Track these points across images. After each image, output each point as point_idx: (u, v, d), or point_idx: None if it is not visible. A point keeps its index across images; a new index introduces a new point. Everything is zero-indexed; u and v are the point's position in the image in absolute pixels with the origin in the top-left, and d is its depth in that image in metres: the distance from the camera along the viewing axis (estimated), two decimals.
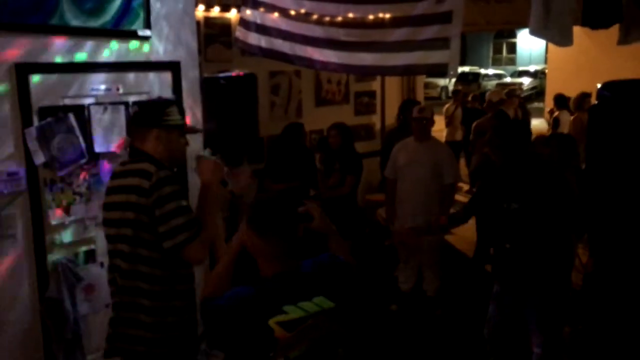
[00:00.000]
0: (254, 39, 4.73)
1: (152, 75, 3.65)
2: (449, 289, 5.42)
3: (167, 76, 3.70)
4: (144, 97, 3.58)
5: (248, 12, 4.78)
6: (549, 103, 10.16)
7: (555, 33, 3.01)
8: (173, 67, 3.70)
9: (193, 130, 3.03)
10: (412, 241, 4.47)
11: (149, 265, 2.48)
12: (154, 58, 3.62)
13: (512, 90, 9.07)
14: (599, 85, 2.98)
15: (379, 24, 4.00)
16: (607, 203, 3.37)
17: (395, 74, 4.54)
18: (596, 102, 3.02)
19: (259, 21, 4.74)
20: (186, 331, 2.62)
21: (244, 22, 4.86)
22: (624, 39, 3.26)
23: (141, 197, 2.40)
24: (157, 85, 3.67)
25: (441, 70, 3.60)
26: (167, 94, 3.68)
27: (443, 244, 5.23)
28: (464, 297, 5.52)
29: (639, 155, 2.70)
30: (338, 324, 1.97)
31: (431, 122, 4.91)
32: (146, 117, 2.62)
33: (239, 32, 4.91)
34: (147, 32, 3.55)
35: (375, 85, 7.76)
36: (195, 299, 2.67)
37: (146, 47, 3.58)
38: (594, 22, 3.10)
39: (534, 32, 3.10)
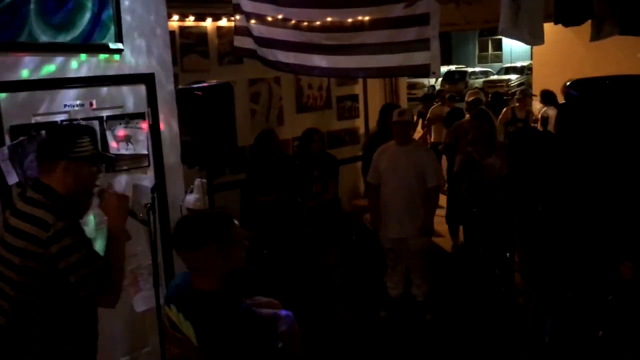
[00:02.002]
0: (250, 44, 4.73)
1: (126, 89, 3.60)
2: (439, 292, 5.40)
3: (142, 89, 3.65)
4: (118, 112, 3.54)
5: (238, 17, 4.78)
6: (536, 99, 10.19)
7: (525, 32, 3.00)
8: (147, 79, 3.65)
9: (105, 158, 2.91)
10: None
11: (41, 313, 2.35)
12: (127, 71, 3.57)
13: (524, 90, 8.94)
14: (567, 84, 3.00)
15: (359, 26, 4.00)
16: (576, 201, 3.40)
17: (378, 76, 4.55)
18: (564, 101, 3.03)
19: (249, 28, 4.74)
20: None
21: (238, 29, 4.85)
22: (596, 35, 3.26)
23: (39, 247, 2.27)
24: (132, 98, 3.62)
25: (423, 71, 3.61)
26: (142, 106, 3.63)
27: (430, 247, 5.21)
28: (453, 300, 5.50)
29: (607, 154, 2.71)
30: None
31: (412, 125, 4.90)
32: (54, 148, 2.44)
33: (236, 41, 4.91)
34: (119, 45, 3.50)
35: (358, 89, 7.73)
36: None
37: (118, 61, 3.53)
38: (566, 19, 3.09)
39: (503, 32, 3.10)
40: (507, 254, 5.30)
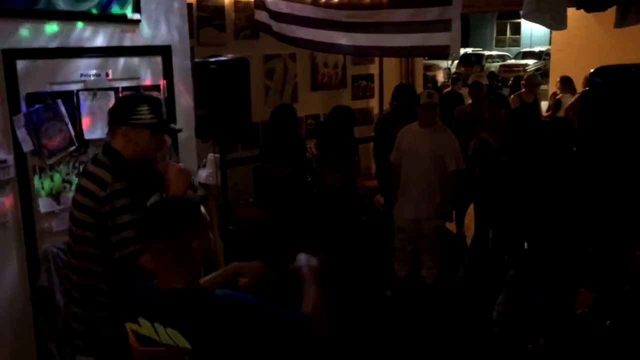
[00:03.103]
0: (266, 19, 4.68)
1: (142, 60, 3.58)
2: (447, 276, 5.40)
3: (158, 61, 3.63)
4: (134, 83, 3.52)
5: None
6: (553, 85, 10.03)
7: (548, 16, 2.95)
8: (163, 51, 3.63)
9: (170, 130, 2.90)
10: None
11: (100, 265, 2.50)
12: (143, 43, 3.55)
13: (533, 77, 8.79)
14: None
15: (380, 4, 3.93)
16: (599, 189, 3.37)
17: (397, 56, 4.48)
18: (587, 88, 2.98)
19: (266, 3, 4.68)
20: None
21: (257, 3, 4.80)
22: (620, 22, 3.19)
23: (95, 204, 2.42)
24: (148, 70, 3.60)
25: (443, 53, 3.55)
26: (158, 79, 3.62)
27: (443, 231, 5.20)
28: (461, 285, 5.51)
29: (630, 142, 2.66)
30: None
31: (437, 107, 4.88)
32: (115, 113, 2.56)
33: (256, 14, 4.86)
34: (137, 16, 3.48)
35: (374, 68, 7.65)
36: None
37: (136, 32, 3.51)
38: (589, 5, 3.03)
39: (526, 16, 3.04)
40: (518, 240, 5.27)
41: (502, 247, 5.49)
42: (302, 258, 2.09)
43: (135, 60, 3.55)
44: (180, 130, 3.01)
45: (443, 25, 3.38)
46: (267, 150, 5.06)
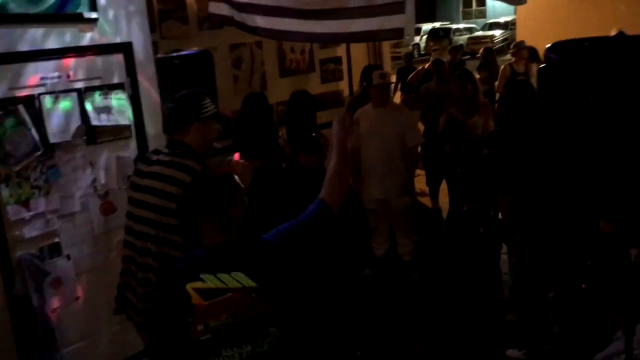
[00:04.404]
0: (225, 10, 4.60)
1: (103, 59, 3.54)
2: (425, 252, 5.47)
3: (120, 58, 3.59)
4: (96, 83, 3.48)
5: None
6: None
7: None
8: (125, 48, 3.59)
9: (224, 114, 3.19)
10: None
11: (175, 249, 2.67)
12: (103, 41, 3.51)
13: (518, 43, 8.78)
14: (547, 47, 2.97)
15: None
16: (554, 164, 3.44)
17: (354, 41, 4.47)
18: (544, 64, 3.02)
19: None
20: None
21: None
22: None
23: (183, 191, 2.53)
24: (110, 68, 3.57)
25: (398, 35, 3.55)
26: (121, 77, 3.58)
27: (413, 206, 5.26)
28: (440, 259, 5.58)
29: (587, 119, 2.71)
30: (265, 303, 1.96)
31: (389, 87, 4.90)
32: (185, 112, 2.76)
33: (211, 7, 4.76)
34: (94, 15, 3.43)
35: (341, 51, 7.62)
36: None
37: (94, 30, 3.46)
38: None
39: None
40: (492, 212, 5.37)
41: (477, 220, 5.57)
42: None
43: (96, 59, 3.50)
44: (227, 114, 3.16)
45: (397, 7, 3.37)
46: (240, 141, 5.03)
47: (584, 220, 3.39)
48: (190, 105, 2.78)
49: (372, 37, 4.44)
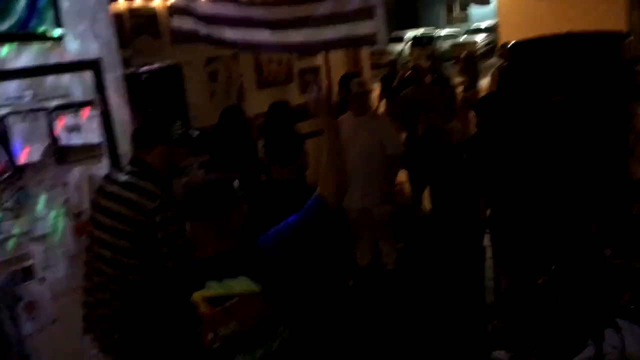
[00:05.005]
0: (189, 25, 4.53)
1: (71, 77, 3.47)
2: (409, 260, 5.43)
3: (88, 75, 3.53)
4: (65, 101, 3.42)
5: None
6: None
7: None
8: (93, 65, 3.52)
9: (191, 139, 3.04)
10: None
11: (132, 273, 2.62)
12: (70, 58, 3.44)
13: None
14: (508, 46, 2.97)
15: None
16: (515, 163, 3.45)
17: (325, 50, 4.42)
18: (504, 63, 3.01)
19: (190, 7, 4.53)
20: None
21: (176, 10, 4.64)
22: None
23: (142, 216, 2.53)
24: (79, 86, 3.49)
25: (369, 42, 3.52)
26: (90, 94, 3.52)
27: (395, 214, 5.22)
28: (424, 267, 5.54)
29: (544, 117, 2.71)
30: (271, 304, 1.96)
31: (370, 95, 4.88)
32: (151, 132, 2.72)
33: (175, 22, 4.69)
34: (60, 32, 3.37)
35: (319, 61, 7.60)
36: None
37: (61, 48, 3.40)
38: None
39: None
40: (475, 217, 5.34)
41: (460, 225, 5.55)
42: None
43: (64, 77, 3.43)
44: (196, 135, 3.14)
45: (366, 13, 3.34)
46: (217, 155, 4.99)
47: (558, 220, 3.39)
48: (158, 126, 2.73)
49: (344, 45, 4.41)
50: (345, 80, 6.20)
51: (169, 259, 2.53)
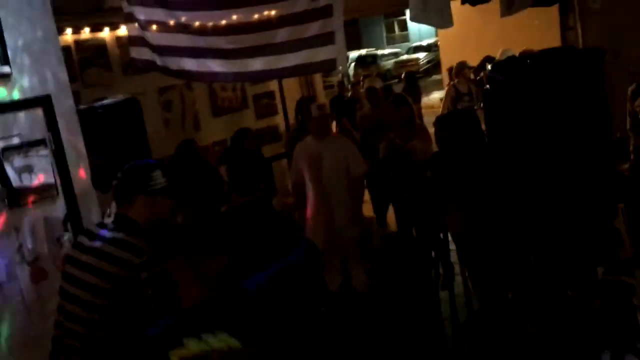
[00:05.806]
0: (147, 55, 4.43)
1: (21, 115, 3.30)
2: (378, 282, 5.37)
3: (39, 113, 3.36)
4: (15, 141, 3.24)
5: (132, 27, 4.45)
6: (446, 74, 10.38)
7: (434, 16, 3.00)
8: (43, 102, 3.36)
9: (173, 190, 2.86)
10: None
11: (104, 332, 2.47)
12: (19, 96, 3.28)
13: (461, 64, 8.89)
14: (489, 67, 3.01)
15: (261, 26, 3.83)
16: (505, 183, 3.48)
17: (285, 76, 4.41)
18: (488, 86, 3.05)
19: (145, 37, 4.43)
20: None
21: (133, 40, 4.52)
22: (506, 11, 3.28)
23: (127, 271, 2.40)
24: (29, 124, 3.33)
25: (330, 67, 3.50)
26: (42, 132, 3.35)
27: (362, 236, 5.18)
28: (394, 287, 5.49)
29: (533, 135, 2.74)
30: (250, 353, 1.87)
31: (330, 118, 4.85)
32: (131, 183, 2.60)
33: (133, 52, 4.57)
34: (6, 69, 3.21)
35: (273, 85, 7.59)
36: None
37: (8, 85, 3.23)
38: None
39: (414, 19, 3.08)
40: (441, 235, 5.34)
41: (426, 243, 5.54)
42: None
43: (13, 116, 3.26)
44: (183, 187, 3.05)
45: (326, 38, 3.33)
46: (174, 189, 4.83)
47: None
48: (137, 177, 2.61)
49: (304, 71, 4.39)
50: (301, 104, 6.17)
51: (157, 316, 2.39)
